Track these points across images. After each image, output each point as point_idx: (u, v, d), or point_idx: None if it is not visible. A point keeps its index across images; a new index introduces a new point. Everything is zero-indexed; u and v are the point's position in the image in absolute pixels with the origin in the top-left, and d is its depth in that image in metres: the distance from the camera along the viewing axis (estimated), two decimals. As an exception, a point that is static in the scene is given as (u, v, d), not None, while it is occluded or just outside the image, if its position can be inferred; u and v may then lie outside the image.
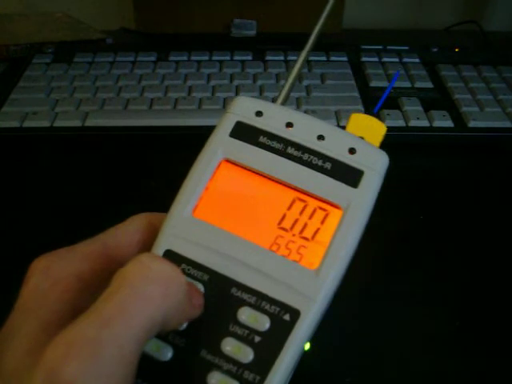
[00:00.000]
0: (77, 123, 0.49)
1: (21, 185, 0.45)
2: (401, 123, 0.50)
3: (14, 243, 0.40)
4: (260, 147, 0.24)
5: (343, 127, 0.25)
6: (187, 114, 0.50)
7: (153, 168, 0.47)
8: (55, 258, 0.22)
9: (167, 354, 0.21)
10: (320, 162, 0.24)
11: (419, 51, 0.62)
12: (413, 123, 0.50)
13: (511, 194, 0.46)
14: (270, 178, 0.24)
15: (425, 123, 0.50)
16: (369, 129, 0.25)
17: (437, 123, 0.50)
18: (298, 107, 0.51)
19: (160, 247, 0.23)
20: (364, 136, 0.25)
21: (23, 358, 0.18)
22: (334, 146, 0.24)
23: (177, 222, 0.23)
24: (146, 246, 0.23)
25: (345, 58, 0.60)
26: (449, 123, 0.50)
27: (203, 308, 0.22)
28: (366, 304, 0.35)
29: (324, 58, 0.60)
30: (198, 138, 0.52)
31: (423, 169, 0.47)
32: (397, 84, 0.56)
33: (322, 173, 0.23)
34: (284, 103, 0.27)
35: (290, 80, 0.28)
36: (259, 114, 0.25)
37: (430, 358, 0.32)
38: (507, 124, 0.50)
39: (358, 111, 0.51)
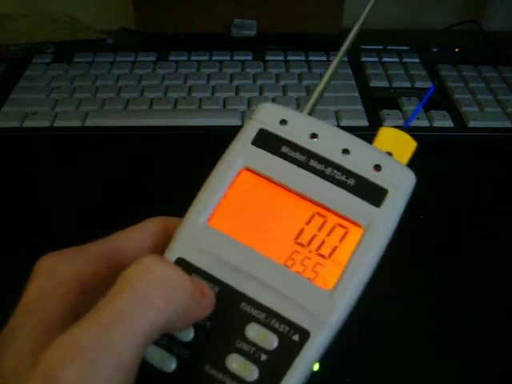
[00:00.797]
0: (77, 123, 0.49)
1: (21, 185, 0.45)
2: (401, 123, 0.50)
3: (13, 243, 0.40)
4: (282, 157, 0.23)
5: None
6: (187, 114, 0.50)
7: (153, 168, 0.47)
8: (60, 258, 0.21)
9: (171, 365, 0.21)
10: (343, 178, 0.23)
11: (419, 51, 0.62)
12: (413, 123, 0.50)
13: (511, 193, 0.46)
14: (290, 191, 0.23)
15: (425, 123, 0.50)
16: (397, 144, 0.24)
17: (437, 123, 0.50)
18: (297, 107, 0.51)
19: (172, 254, 0.22)
20: (392, 151, 0.24)
21: (23, 359, 0.18)
22: (359, 162, 0.23)
23: (191, 229, 0.23)
24: (159, 250, 0.23)
25: (345, 58, 0.60)
26: (449, 123, 0.50)
27: (213, 307, 0.21)
28: (366, 304, 0.34)
29: (324, 58, 0.60)
30: (198, 138, 0.52)
31: (423, 169, 0.47)
32: (397, 84, 0.56)
33: (344, 189, 0.23)
34: (311, 113, 0.26)
35: (319, 88, 0.26)
36: (283, 122, 0.24)
37: (430, 358, 0.32)
38: (507, 124, 0.50)
39: (358, 111, 0.51)
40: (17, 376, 0.18)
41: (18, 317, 0.20)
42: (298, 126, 0.24)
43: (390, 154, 0.24)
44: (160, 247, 0.23)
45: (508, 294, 0.37)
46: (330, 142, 0.23)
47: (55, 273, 0.21)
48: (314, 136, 0.24)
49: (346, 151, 0.23)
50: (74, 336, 0.18)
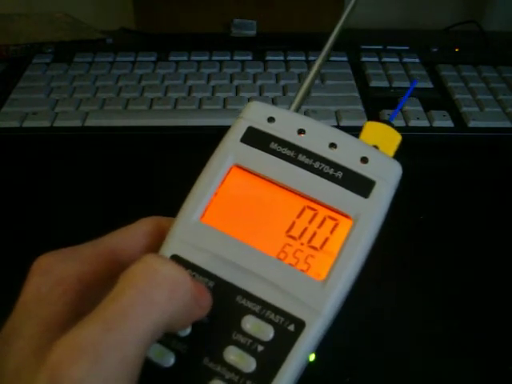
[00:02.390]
0: (77, 123, 0.49)
1: (21, 185, 0.45)
2: (401, 123, 0.50)
3: (13, 243, 0.40)
4: (271, 154, 0.24)
5: (356, 135, 0.25)
6: (187, 114, 0.50)
7: (153, 168, 0.47)
8: (58, 258, 0.22)
9: (169, 360, 0.21)
10: (331, 171, 0.23)
11: (419, 51, 0.62)
12: (413, 123, 0.50)
13: (511, 193, 0.46)
14: (280, 185, 0.23)
15: (425, 123, 0.50)
16: (383, 137, 0.25)
17: (437, 123, 0.50)
18: (297, 107, 0.51)
19: (167, 252, 0.23)
20: (378, 145, 0.24)
21: (25, 359, 0.18)
22: (346, 155, 0.23)
23: (184, 226, 0.23)
24: (153, 250, 0.23)
25: (345, 58, 0.60)
26: (449, 123, 0.50)
27: (210, 307, 0.21)
28: (366, 304, 0.35)
29: (324, 58, 0.60)
30: (198, 138, 0.52)
31: (423, 169, 0.47)
32: (397, 84, 0.56)
33: (332, 181, 0.23)
34: (298, 110, 0.26)
35: (305, 86, 0.27)
36: (271, 119, 0.24)
37: (430, 358, 0.32)
38: (507, 124, 0.50)
39: (358, 111, 0.51)
40: (21, 376, 0.18)
41: (17, 317, 0.20)
42: (286, 123, 0.24)
43: (376, 147, 0.24)
44: (154, 246, 0.23)
45: (508, 293, 0.37)
46: (317, 136, 0.24)
47: (53, 272, 0.21)
48: (301, 132, 0.24)
49: (333, 145, 0.24)
50: (78, 335, 0.18)
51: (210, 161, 0.24)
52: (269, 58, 0.60)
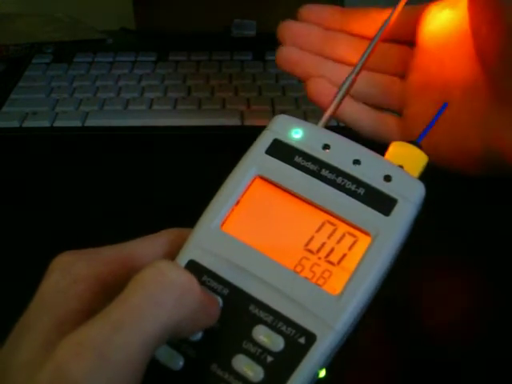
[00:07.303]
0: (77, 123, 0.49)
1: (21, 185, 0.46)
2: (400, 123, 0.50)
3: (13, 243, 0.40)
4: (295, 167, 0.24)
5: (382, 153, 0.25)
6: (187, 114, 0.50)
7: (153, 168, 0.48)
8: (79, 257, 0.22)
9: (178, 363, 0.21)
10: (353, 187, 0.23)
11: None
12: (412, 123, 0.50)
13: (511, 193, 0.46)
14: (301, 199, 0.24)
15: (424, 123, 0.50)
16: (409, 158, 0.25)
17: (436, 123, 0.50)
18: (297, 108, 0.51)
19: (184, 257, 0.23)
20: (403, 165, 0.24)
21: (35, 353, 0.19)
22: (370, 172, 0.24)
23: (204, 233, 0.23)
24: (172, 259, 0.23)
25: (344, 58, 0.60)
26: (448, 123, 0.50)
27: (219, 318, 0.22)
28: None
29: (324, 58, 0.60)
30: (197, 138, 0.52)
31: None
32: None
33: (354, 198, 0.23)
34: (326, 125, 0.27)
35: (336, 102, 0.28)
36: (297, 133, 0.25)
37: (430, 358, 0.32)
38: (507, 124, 0.50)
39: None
40: (28, 370, 0.18)
41: (33, 310, 0.20)
42: (312, 137, 0.25)
43: (401, 167, 0.24)
44: (173, 255, 0.23)
45: (509, 292, 0.37)
46: (342, 152, 0.24)
47: (73, 270, 0.21)
48: (326, 147, 0.24)
49: (357, 162, 0.24)
50: (85, 333, 0.18)
51: (234, 170, 0.24)
52: (269, 58, 0.60)
